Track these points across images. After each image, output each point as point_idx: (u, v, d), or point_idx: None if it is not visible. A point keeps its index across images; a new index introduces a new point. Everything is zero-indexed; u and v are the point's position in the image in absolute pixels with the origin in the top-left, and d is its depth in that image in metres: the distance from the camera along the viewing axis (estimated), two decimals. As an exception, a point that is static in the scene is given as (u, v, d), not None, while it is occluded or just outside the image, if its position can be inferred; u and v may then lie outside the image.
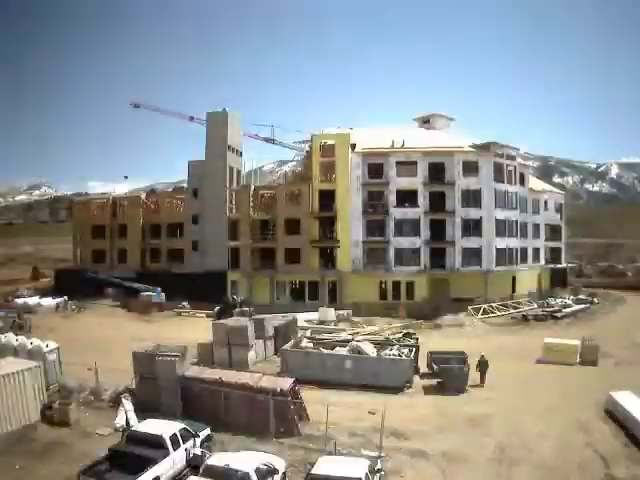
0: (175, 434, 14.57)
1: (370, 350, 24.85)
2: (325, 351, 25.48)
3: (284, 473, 14.09)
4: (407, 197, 47.91)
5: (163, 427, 14.81)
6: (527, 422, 18.68)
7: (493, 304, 44.36)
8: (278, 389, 17.92)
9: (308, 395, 19.69)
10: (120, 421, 18.06)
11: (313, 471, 12.75)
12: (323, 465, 13.01)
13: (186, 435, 15.02)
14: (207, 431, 16.33)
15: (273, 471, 13.37)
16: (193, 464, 14.09)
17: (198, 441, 15.35)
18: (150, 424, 15.21)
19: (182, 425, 15.30)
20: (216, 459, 13.41)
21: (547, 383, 23.68)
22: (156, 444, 14.01)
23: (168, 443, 14.12)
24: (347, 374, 23.59)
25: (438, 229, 47.86)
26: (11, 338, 25.33)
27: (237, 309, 39.03)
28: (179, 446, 14.43)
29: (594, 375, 24.90)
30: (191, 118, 58.34)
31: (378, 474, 13.64)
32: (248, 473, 12.57)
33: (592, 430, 17.90)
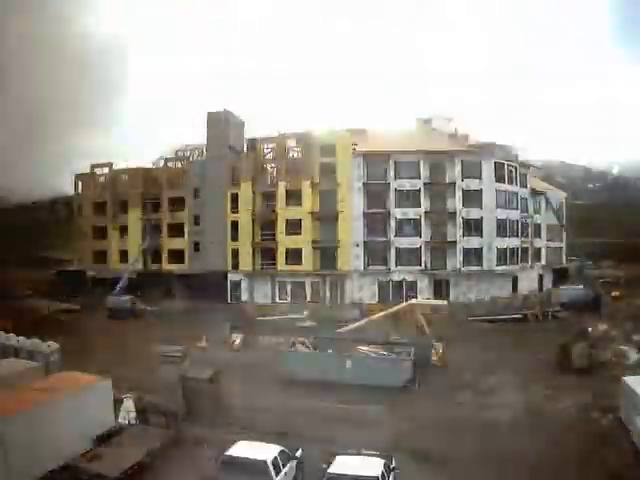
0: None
1: None
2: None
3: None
4: (408, 197, 47.99)
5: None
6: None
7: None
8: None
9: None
10: (122, 421, 18.04)
11: (330, 470, 12.78)
12: (340, 464, 13.04)
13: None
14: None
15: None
16: None
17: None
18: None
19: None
20: None
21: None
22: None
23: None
24: (347, 374, 23.57)
25: (439, 229, 47.95)
26: (12, 338, 25.34)
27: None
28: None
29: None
30: None
31: (393, 472, 13.66)
32: None
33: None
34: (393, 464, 14.01)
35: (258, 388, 23.06)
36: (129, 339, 34.02)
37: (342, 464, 13.04)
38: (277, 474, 13.34)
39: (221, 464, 13.40)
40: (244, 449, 13.95)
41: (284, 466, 13.81)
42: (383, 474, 12.77)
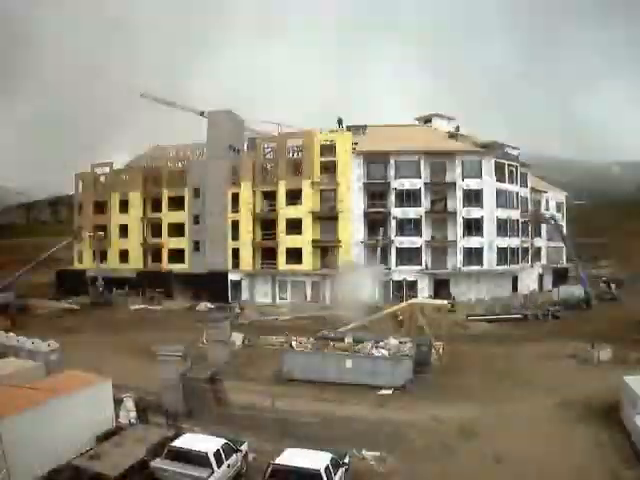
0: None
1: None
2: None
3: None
4: (408, 197, 47.98)
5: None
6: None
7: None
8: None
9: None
10: (123, 420, 18.05)
11: (274, 461, 13.13)
12: (286, 456, 13.38)
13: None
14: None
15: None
16: None
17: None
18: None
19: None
20: None
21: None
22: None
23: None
24: (347, 374, 23.63)
25: (439, 229, 47.95)
26: (11, 338, 25.33)
27: None
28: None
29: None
30: (202, 113, 56.26)
31: (342, 468, 13.77)
32: None
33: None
34: (346, 460, 14.21)
35: (258, 388, 23.04)
36: (129, 339, 34.02)
37: (288, 456, 13.36)
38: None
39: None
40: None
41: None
42: (328, 468, 12.90)
